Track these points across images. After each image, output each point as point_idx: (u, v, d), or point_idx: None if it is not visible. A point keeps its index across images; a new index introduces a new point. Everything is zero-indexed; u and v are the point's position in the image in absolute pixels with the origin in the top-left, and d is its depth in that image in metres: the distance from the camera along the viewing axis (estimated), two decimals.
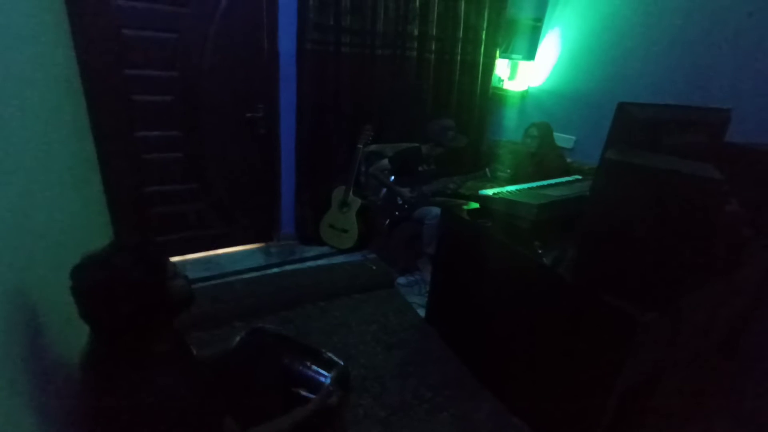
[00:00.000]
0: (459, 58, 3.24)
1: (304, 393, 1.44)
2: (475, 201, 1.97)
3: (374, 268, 2.75)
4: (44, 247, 1.28)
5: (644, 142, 1.29)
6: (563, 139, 3.10)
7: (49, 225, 1.37)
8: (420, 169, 2.83)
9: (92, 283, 0.93)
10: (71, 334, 1.40)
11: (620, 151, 1.24)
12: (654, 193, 1.15)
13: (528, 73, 3.45)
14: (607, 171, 1.25)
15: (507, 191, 1.84)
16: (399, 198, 2.77)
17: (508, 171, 3.15)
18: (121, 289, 0.94)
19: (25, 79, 1.33)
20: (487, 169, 2.81)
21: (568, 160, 2.92)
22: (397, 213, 2.80)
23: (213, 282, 2.48)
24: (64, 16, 1.96)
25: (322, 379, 1.52)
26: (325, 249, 3.10)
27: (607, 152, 1.24)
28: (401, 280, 2.78)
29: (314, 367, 1.55)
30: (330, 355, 1.65)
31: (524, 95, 3.52)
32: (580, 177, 2.22)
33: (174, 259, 1.10)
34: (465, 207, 2.03)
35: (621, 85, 2.79)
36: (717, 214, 1.24)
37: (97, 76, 2.17)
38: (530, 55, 3.37)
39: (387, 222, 2.84)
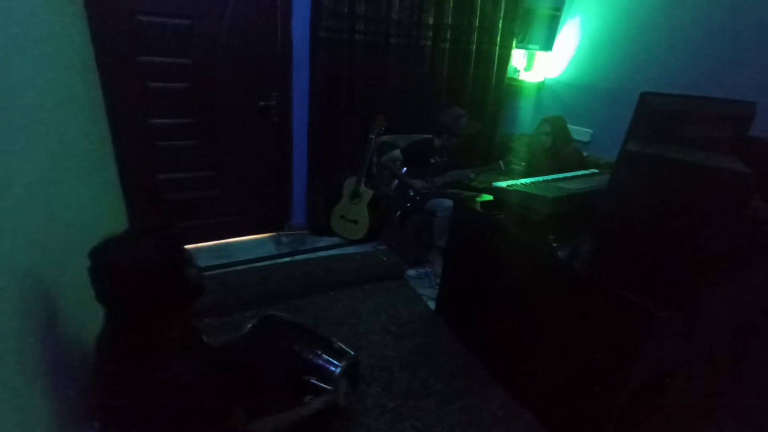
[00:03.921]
0: (474, 47, 3.19)
1: (314, 381, 1.45)
2: (489, 193, 1.94)
3: (385, 259, 2.74)
4: (59, 233, 1.29)
5: (666, 133, 1.24)
6: (580, 132, 3.04)
7: (65, 211, 1.38)
8: (432, 161, 2.81)
9: (112, 265, 0.94)
10: (85, 318, 1.42)
11: (641, 142, 1.20)
12: (675, 186, 1.12)
13: (545, 64, 3.37)
14: (627, 163, 1.22)
15: (521, 184, 1.81)
16: (411, 190, 2.75)
17: (523, 164, 3.10)
18: (140, 272, 0.95)
19: (42, 66, 1.33)
20: (501, 162, 2.78)
21: (585, 153, 2.87)
22: (408, 205, 2.78)
23: (224, 270, 2.50)
24: (80, 1, 1.97)
25: (332, 368, 1.52)
26: (335, 239, 3.10)
27: (628, 144, 1.21)
28: (411, 272, 2.77)
29: (325, 356, 1.55)
30: (341, 344, 1.65)
31: (540, 87, 3.45)
32: (596, 171, 2.18)
33: (186, 246, 1.10)
34: (478, 199, 2.00)
35: (641, 77, 2.71)
36: (742, 209, 1.20)
37: (112, 62, 2.18)
38: (548, 45, 3.30)
39: (398, 213, 2.83)
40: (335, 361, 1.53)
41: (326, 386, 1.43)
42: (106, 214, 2.03)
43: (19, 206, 1.04)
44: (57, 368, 1.13)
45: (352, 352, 1.62)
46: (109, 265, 0.94)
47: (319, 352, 1.54)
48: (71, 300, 1.32)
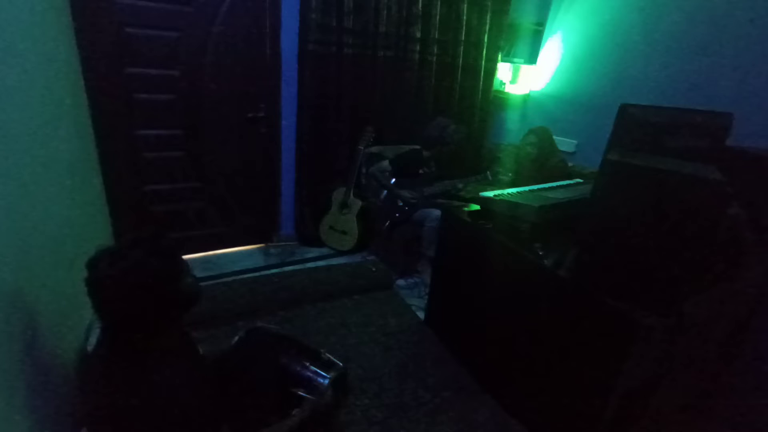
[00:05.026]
0: (461, 61, 3.25)
1: (302, 393, 1.43)
2: (476, 203, 1.96)
3: (374, 269, 2.74)
4: (42, 246, 1.27)
5: (646, 144, 1.28)
6: (565, 143, 3.10)
7: (48, 223, 1.36)
8: (420, 171, 2.83)
9: (107, 276, 0.93)
10: (68, 333, 1.39)
11: (622, 152, 1.24)
12: (656, 195, 1.15)
13: (530, 77, 3.45)
14: (608, 172, 1.25)
15: (508, 193, 1.83)
16: (399, 200, 2.77)
17: (509, 174, 3.15)
18: (135, 281, 0.94)
19: (28, 77, 1.32)
20: (488, 172, 2.81)
21: (570, 164, 2.92)
22: (397, 215, 2.79)
23: (212, 282, 2.47)
24: (67, 13, 1.97)
25: (321, 379, 1.51)
26: (324, 250, 3.09)
27: (609, 153, 1.24)
28: (401, 282, 2.77)
29: (313, 368, 1.53)
30: (329, 356, 1.63)
31: (526, 99, 3.53)
32: (581, 180, 2.21)
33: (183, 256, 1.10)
34: (465, 209, 2.02)
35: (623, 89, 2.79)
36: (719, 216, 1.23)
37: (99, 73, 2.18)
38: (532, 59, 3.38)
39: (387, 224, 2.83)
40: (323, 373, 1.51)
41: (323, 398, 1.41)
42: (91, 226, 2.00)
43: (1, 218, 1.02)
44: (36, 382, 1.11)
45: (341, 364, 1.60)
46: (104, 276, 0.93)
47: (307, 364, 1.53)
48: (52, 313, 1.29)
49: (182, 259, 1.08)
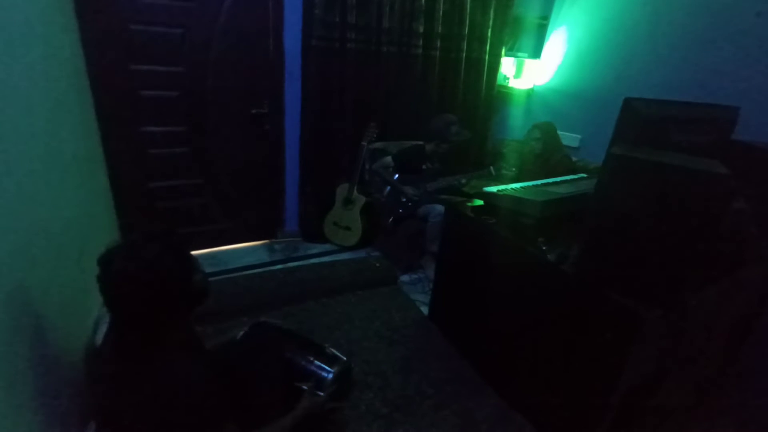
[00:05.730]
0: (464, 55, 3.23)
1: (306, 388, 1.44)
2: (480, 198, 1.96)
3: (378, 265, 2.74)
4: (47, 242, 1.28)
5: (650, 138, 1.27)
6: (569, 137, 3.09)
7: (53, 220, 1.37)
8: (424, 167, 2.83)
9: (122, 272, 0.94)
10: (75, 328, 1.41)
11: (626, 146, 1.23)
12: (660, 189, 1.14)
13: (534, 72, 3.43)
14: (612, 166, 1.24)
15: (512, 188, 1.83)
16: (403, 196, 2.77)
17: (513, 169, 3.14)
18: (149, 278, 0.95)
19: (33, 73, 1.34)
20: (491, 168, 2.81)
21: (574, 158, 2.91)
22: (400, 211, 2.80)
23: (217, 278, 2.48)
24: (71, 10, 1.97)
25: (325, 374, 1.52)
26: (328, 246, 3.10)
27: (613, 148, 1.23)
28: (404, 277, 2.78)
29: (317, 362, 1.55)
30: (333, 350, 1.65)
31: (530, 93, 3.51)
32: (585, 175, 2.20)
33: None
34: (469, 204, 2.02)
35: (627, 83, 2.77)
36: (724, 210, 1.23)
37: (103, 70, 2.19)
38: (536, 53, 3.35)
39: (391, 219, 2.84)
40: (327, 367, 1.52)
41: (319, 393, 1.43)
42: (96, 223, 2.02)
43: (8, 214, 1.04)
44: (45, 378, 1.12)
45: (345, 358, 1.61)
46: (118, 273, 0.94)
47: (311, 358, 1.54)
48: (59, 309, 1.30)
49: (193, 256, 1.10)
